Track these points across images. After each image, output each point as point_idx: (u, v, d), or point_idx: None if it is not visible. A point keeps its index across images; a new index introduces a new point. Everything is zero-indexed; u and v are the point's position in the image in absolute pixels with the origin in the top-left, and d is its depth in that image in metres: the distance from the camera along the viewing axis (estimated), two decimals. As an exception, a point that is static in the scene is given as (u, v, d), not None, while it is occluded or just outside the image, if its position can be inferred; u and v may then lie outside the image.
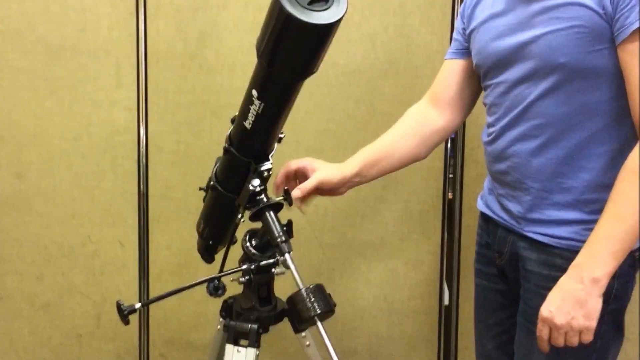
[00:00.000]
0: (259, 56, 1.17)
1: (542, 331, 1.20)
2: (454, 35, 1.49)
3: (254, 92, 1.21)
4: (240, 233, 1.42)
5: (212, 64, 2.06)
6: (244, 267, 1.36)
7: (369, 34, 2.02)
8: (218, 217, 1.46)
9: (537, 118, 1.25)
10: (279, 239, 1.25)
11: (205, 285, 1.38)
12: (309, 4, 1.08)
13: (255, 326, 1.36)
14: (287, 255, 1.23)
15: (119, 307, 1.30)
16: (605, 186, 1.17)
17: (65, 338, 2.22)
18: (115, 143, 2.10)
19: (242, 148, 1.31)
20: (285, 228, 1.28)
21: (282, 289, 1.36)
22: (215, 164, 1.43)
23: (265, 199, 1.30)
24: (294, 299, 1.20)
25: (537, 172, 1.27)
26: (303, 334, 1.39)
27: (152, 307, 2.18)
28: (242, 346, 1.36)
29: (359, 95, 2.05)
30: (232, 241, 1.47)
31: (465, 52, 1.44)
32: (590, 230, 1.18)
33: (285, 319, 1.39)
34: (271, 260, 1.35)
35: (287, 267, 1.23)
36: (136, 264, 2.16)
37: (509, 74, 1.28)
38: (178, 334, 2.20)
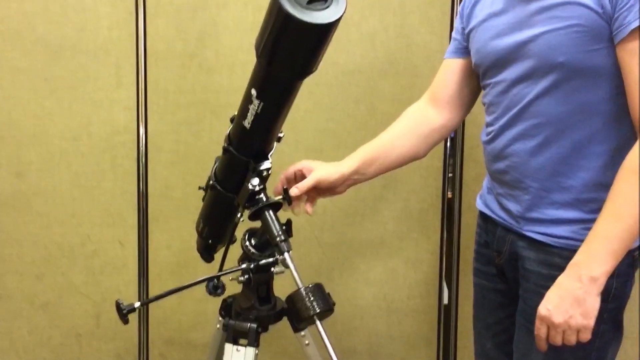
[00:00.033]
0: (258, 55, 1.17)
1: (540, 330, 1.20)
2: (453, 34, 1.49)
3: (253, 92, 1.21)
4: (239, 232, 1.43)
5: (211, 64, 2.06)
6: (243, 266, 1.37)
7: (368, 34, 2.02)
8: (217, 217, 1.46)
9: (535, 117, 1.25)
10: (278, 238, 1.25)
11: (204, 284, 1.38)
12: (308, 3, 1.08)
13: (254, 325, 1.36)
14: (286, 255, 1.23)
15: (118, 306, 1.30)
16: (604, 185, 1.17)
17: (64, 337, 2.22)
18: (115, 143, 2.11)
19: (241, 147, 1.31)
20: (284, 227, 1.29)
21: (281, 288, 1.36)
22: (215, 164, 1.43)
23: (264, 198, 1.31)
24: (293, 298, 1.20)
25: (536, 172, 1.27)
26: (302, 333, 1.39)
27: (151, 306, 2.18)
28: (242, 345, 1.36)
29: (359, 94, 2.05)
30: (232, 240, 1.47)
31: (464, 51, 1.44)
32: (589, 229, 1.18)
33: (285, 318, 1.39)
34: (270, 260, 1.35)
35: (287, 266, 1.23)
36: (136, 264, 2.17)
37: (508, 73, 1.28)
38: (177, 333, 2.20)
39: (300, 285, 1.20)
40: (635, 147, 1.14)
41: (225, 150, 1.34)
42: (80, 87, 2.08)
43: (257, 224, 1.33)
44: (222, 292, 1.40)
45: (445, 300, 2.14)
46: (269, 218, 1.29)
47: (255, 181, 1.30)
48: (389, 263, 2.14)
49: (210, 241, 1.51)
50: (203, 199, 1.50)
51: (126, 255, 2.17)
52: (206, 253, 1.55)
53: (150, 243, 2.16)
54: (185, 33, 2.05)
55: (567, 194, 1.25)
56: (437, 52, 1.94)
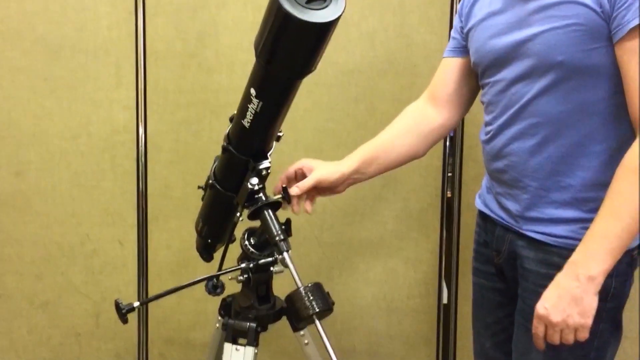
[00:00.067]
0: (257, 55, 1.17)
1: (538, 328, 1.20)
2: (452, 33, 1.49)
3: (252, 91, 1.21)
4: (238, 232, 1.43)
5: (211, 63, 2.06)
6: (243, 265, 1.37)
7: (368, 33, 2.02)
8: (217, 216, 1.47)
9: (534, 116, 1.25)
10: (277, 238, 1.25)
11: (204, 283, 1.38)
12: (307, 2, 1.08)
13: (253, 325, 1.37)
14: (285, 254, 1.23)
15: (117, 305, 1.30)
16: (603, 184, 1.17)
17: (64, 337, 2.22)
18: (115, 142, 2.11)
19: (240, 147, 1.31)
20: (283, 227, 1.29)
21: (280, 288, 1.36)
22: (214, 163, 1.43)
23: (263, 198, 1.31)
24: (293, 298, 1.20)
25: (534, 171, 1.27)
26: (302, 332, 1.39)
27: (151, 305, 2.18)
28: (241, 345, 1.37)
29: (358, 94, 2.05)
30: (231, 240, 1.47)
31: (463, 50, 1.44)
32: (588, 228, 1.18)
33: (284, 318, 1.39)
34: (270, 259, 1.35)
35: (286, 266, 1.23)
36: (135, 263, 2.17)
37: (507, 72, 1.28)
38: (177, 333, 2.20)
39: (300, 284, 1.20)
40: (634, 145, 1.14)
41: (224, 149, 1.34)
42: (79, 86, 2.08)
43: (257, 223, 1.33)
44: (222, 292, 1.40)
45: (445, 300, 2.14)
46: (268, 217, 1.29)
47: (255, 180, 1.30)
48: (389, 262, 2.14)
49: (209, 240, 1.51)
50: (202, 199, 1.50)
51: (126, 255, 2.17)
52: (205, 252, 1.55)
53: (150, 242, 2.16)
54: (185, 33, 2.05)
55: (566, 193, 1.25)
56: (436, 51, 1.93)
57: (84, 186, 2.13)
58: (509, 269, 1.38)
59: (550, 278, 1.20)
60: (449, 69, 1.49)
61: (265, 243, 1.36)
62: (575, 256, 1.17)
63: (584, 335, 1.17)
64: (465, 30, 1.42)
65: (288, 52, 1.14)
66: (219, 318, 1.46)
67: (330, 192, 1.48)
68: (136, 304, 1.31)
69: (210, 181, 1.41)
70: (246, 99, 1.23)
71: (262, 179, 1.32)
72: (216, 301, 1.47)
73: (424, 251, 2.12)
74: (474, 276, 1.51)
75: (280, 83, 1.21)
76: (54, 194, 2.13)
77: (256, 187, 1.30)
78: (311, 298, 1.18)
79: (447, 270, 2.13)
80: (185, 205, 2.10)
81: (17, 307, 2.20)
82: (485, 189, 1.46)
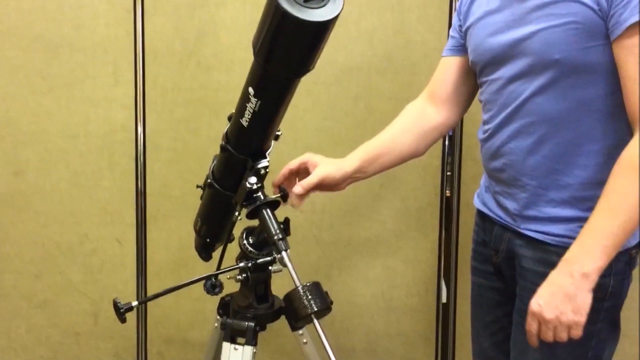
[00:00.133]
0: (255, 54, 1.17)
1: (532, 325, 1.20)
2: (451, 32, 1.49)
3: (251, 90, 1.21)
4: (237, 231, 1.43)
5: (209, 62, 2.06)
6: (241, 265, 1.37)
7: (367, 32, 2.02)
8: (215, 215, 1.46)
9: (531, 115, 1.25)
10: (275, 237, 1.25)
11: (202, 283, 1.38)
12: (305, 1, 1.08)
13: (252, 324, 1.37)
14: (284, 253, 1.23)
15: (115, 305, 1.30)
16: (601, 183, 1.16)
17: (63, 336, 2.22)
18: (113, 141, 2.10)
19: (239, 146, 1.31)
20: (282, 226, 1.28)
21: (279, 287, 1.36)
22: (213, 162, 1.43)
23: (262, 197, 1.30)
24: (291, 297, 1.20)
25: (532, 169, 1.27)
26: (300, 331, 1.39)
27: (150, 305, 2.18)
28: (239, 344, 1.37)
29: (357, 92, 2.05)
30: (230, 239, 1.47)
31: (461, 49, 1.44)
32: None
33: (283, 317, 1.39)
34: (268, 258, 1.35)
35: (284, 265, 1.23)
36: (134, 262, 2.17)
37: (504, 70, 1.28)
38: (176, 332, 2.20)
39: (298, 283, 1.20)
40: (631, 143, 1.14)
41: (222, 148, 1.34)
42: (78, 85, 2.08)
43: (255, 222, 1.33)
44: (220, 291, 1.40)
45: (444, 299, 2.14)
46: (267, 216, 1.29)
47: (253, 179, 1.30)
48: (388, 262, 2.14)
49: (208, 240, 1.51)
50: (201, 198, 1.49)
51: (124, 254, 2.17)
52: (204, 252, 1.55)
53: (149, 242, 2.16)
54: (184, 31, 2.04)
55: (564, 192, 1.25)
56: (435, 50, 1.93)
57: (82, 185, 2.13)
58: (507, 268, 1.38)
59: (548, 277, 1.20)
60: (448, 68, 1.48)
61: (264, 242, 1.35)
62: (569, 253, 1.17)
63: (577, 332, 1.16)
64: (463, 29, 1.42)
65: (286, 50, 1.13)
66: (218, 317, 1.46)
67: (330, 190, 1.47)
68: (134, 303, 1.31)
69: (209, 180, 1.41)
70: (244, 98, 1.23)
71: (261, 178, 1.31)
72: (215, 300, 1.47)
73: (423, 250, 2.12)
74: (473, 275, 1.51)
75: (279, 82, 1.20)
76: (52, 193, 2.13)
77: (255, 186, 1.30)
78: (310, 297, 1.18)
79: (446, 269, 2.13)
80: (183, 205, 2.10)
81: (15, 306, 2.20)
82: (483, 188, 1.46)
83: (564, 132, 1.23)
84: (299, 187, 1.39)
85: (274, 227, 1.27)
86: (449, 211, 2.10)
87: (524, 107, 1.25)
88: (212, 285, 1.39)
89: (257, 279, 1.38)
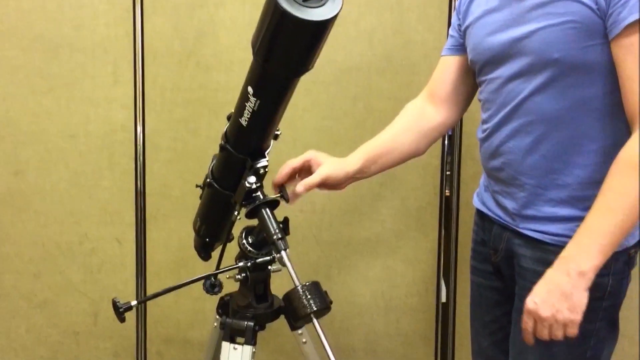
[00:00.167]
0: (254, 53, 1.17)
1: (527, 323, 1.20)
2: (450, 31, 1.49)
3: (250, 89, 1.21)
4: (236, 230, 1.42)
5: (209, 62, 2.06)
6: (241, 264, 1.37)
7: (366, 31, 2.02)
8: (214, 215, 1.46)
9: (530, 114, 1.25)
10: (275, 236, 1.25)
11: (201, 282, 1.38)
12: (304, 0, 1.08)
13: (251, 323, 1.36)
14: (283, 253, 1.23)
15: (115, 304, 1.30)
16: (599, 182, 1.16)
17: (62, 336, 2.22)
18: (113, 141, 2.10)
19: (238, 145, 1.31)
20: (281, 225, 1.28)
21: (279, 287, 1.36)
22: (212, 162, 1.42)
23: (261, 196, 1.30)
24: (290, 297, 1.20)
25: (531, 169, 1.27)
26: (300, 331, 1.39)
27: (149, 304, 2.18)
28: (239, 344, 1.36)
29: (356, 92, 2.05)
30: (229, 238, 1.47)
31: (461, 48, 1.44)
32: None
33: (282, 317, 1.39)
34: (267, 258, 1.35)
35: (284, 265, 1.23)
36: (133, 262, 2.17)
37: (503, 69, 1.28)
38: (175, 332, 2.20)
39: (297, 283, 1.20)
40: (629, 142, 1.14)
41: (222, 148, 1.34)
42: (77, 85, 2.08)
43: (255, 222, 1.33)
44: (220, 291, 1.40)
45: (443, 298, 2.14)
46: (266, 216, 1.28)
47: (252, 179, 1.30)
48: (387, 261, 2.14)
49: (207, 239, 1.51)
50: (200, 197, 1.49)
51: (124, 254, 2.17)
52: (203, 251, 1.55)
53: (148, 241, 2.16)
54: (183, 31, 2.04)
55: (563, 191, 1.25)
56: (434, 49, 1.94)
57: (82, 185, 2.13)
58: (506, 267, 1.38)
59: (546, 276, 1.20)
60: (448, 67, 1.48)
61: (263, 242, 1.35)
62: (566, 251, 1.17)
63: (573, 331, 1.16)
64: (463, 28, 1.42)
65: (285, 50, 1.13)
66: (217, 317, 1.46)
67: (331, 189, 1.47)
68: (134, 303, 1.31)
69: (208, 180, 1.41)
70: (243, 98, 1.23)
71: (260, 178, 1.31)
72: (214, 300, 1.47)
73: (422, 250, 2.12)
74: (472, 275, 1.51)
75: (278, 81, 1.20)
76: (52, 193, 2.13)
77: (254, 186, 1.30)
78: (309, 297, 1.18)
79: (446, 268, 2.13)
80: (183, 204, 2.10)
81: (15, 306, 2.20)
82: (483, 188, 1.46)
83: (562, 131, 1.23)
84: (301, 186, 1.38)
85: (273, 227, 1.26)
86: (448, 210, 2.10)
87: (522, 106, 1.25)
88: (211, 284, 1.39)
89: (256, 279, 1.38)
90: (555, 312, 1.15)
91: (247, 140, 1.30)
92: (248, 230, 1.39)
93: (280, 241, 1.24)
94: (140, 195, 2.13)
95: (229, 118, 1.33)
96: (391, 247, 2.13)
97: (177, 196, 2.12)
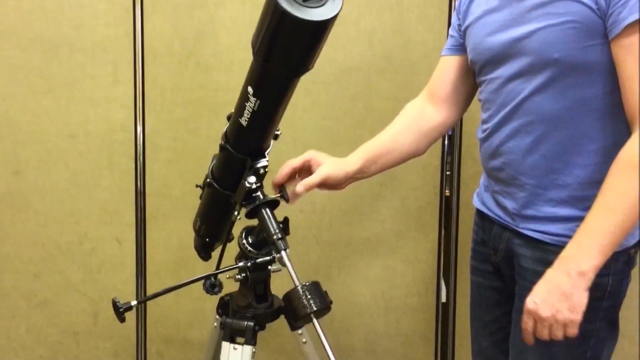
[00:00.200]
0: (254, 53, 1.17)
1: (527, 323, 1.20)
2: (450, 31, 1.49)
3: (250, 89, 1.21)
4: (236, 230, 1.42)
5: (209, 62, 2.05)
6: (241, 264, 1.37)
7: (366, 31, 2.02)
8: (214, 215, 1.46)
9: (530, 114, 1.25)
10: (274, 236, 1.25)
11: (201, 282, 1.38)
12: (304, 0, 1.08)
13: (251, 323, 1.36)
14: (283, 253, 1.23)
15: (114, 304, 1.30)
16: (599, 183, 1.16)
17: (62, 336, 2.22)
18: (112, 141, 2.10)
19: (238, 145, 1.30)
20: (281, 225, 1.28)
21: (278, 287, 1.36)
22: (212, 162, 1.42)
23: (261, 196, 1.30)
24: (290, 296, 1.20)
25: (531, 169, 1.27)
26: (299, 331, 1.39)
27: (149, 304, 2.18)
28: (239, 344, 1.36)
29: (356, 92, 2.05)
30: (229, 238, 1.47)
31: (460, 48, 1.44)
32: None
33: (282, 317, 1.39)
34: (267, 258, 1.35)
35: (283, 265, 1.23)
36: (133, 262, 2.17)
37: (503, 69, 1.28)
38: (175, 332, 2.20)
39: (297, 283, 1.20)
40: (629, 142, 1.14)
41: (222, 147, 1.34)
42: (77, 85, 2.08)
43: (255, 222, 1.33)
44: (220, 291, 1.40)
45: (443, 298, 2.14)
46: (266, 216, 1.28)
47: (252, 179, 1.30)
48: (387, 261, 2.14)
49: (207, 239, 1.51)
50: (200, 197, 1.49)
51: (124, 254, 2.17)
52: (203, 251, 1.55)
53: (148, 241, 2.16)
54: (183, 31, 2.04)
55: (563, 191, 1.25)
56: (434, 49, 1.94)
57: (82, 185, 2.13)
58: (506, 267, 1.38)
59: (547, 277, 1.20)
60: (448, 67, 1.48)
61: (263, 242, 1.35)
62: (566, 251, 1.17)
63: (573, 331, 1.16)
64: (463, 28, 1.42)
65: (285, 50, 1.13)
66: (217, 317, 1.46)
67: (331, 189, 1.47)
68: (133, 302, 1.31)
69: (208, 180, 1.41)
70: (243, 98, 1.23)
71: (260, 178, 1.31)
72: (214, 300, 1.47)
73: (422, 250, 2.12)
74: (472, 275, 1.51)
75: (278, 81, 1.20)
76: (52, 192, 2.13)
77: (254, 186, 1.29)
78: (309, 297, 1.18)
79: (446, 268, 2.13)
80: (183, 204, 2.10)
81: (15, 306, 2.20)
82: (483, 187, 1.46)
83: (562, 131, 1.23)
84: (301, 186, 1.38)
85: (273, 227, 1.26)
86: (448, 210, 2.10)
87: (522, 106, 1.25)
88: (211, 284, 1.39)
89: (256, 279, 1.38)
90: (555, 312, 1.15)
91: (247, 140, 1.30)
92: (248, 230, 1.39)
93: (280, 241, 1.24)
94: (140, 195, 2.13)
95: (229, 118, 1.33)
96: (391, 247, 2.13)
97: (177, 196, 2.12)
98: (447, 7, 1.99)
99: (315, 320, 1.17)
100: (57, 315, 2.21)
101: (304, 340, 1.40)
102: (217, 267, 1.39)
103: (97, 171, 2.12)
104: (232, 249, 1.42)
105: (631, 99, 1.14)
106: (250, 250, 1.37)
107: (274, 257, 1.30)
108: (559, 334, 1.17)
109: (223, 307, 1.46)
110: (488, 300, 1.47)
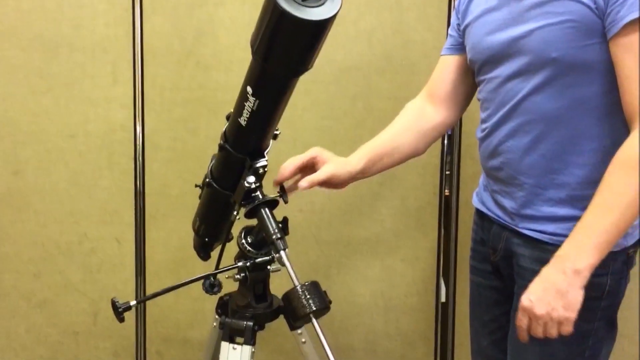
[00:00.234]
0: (253, 52, 1.17)
1: (522, 321, 1.20)
2: (450, 31, 1.49)
3: (249, 89, 1.21)
4: (236, 230, 1.42)
5: (208, 61, 2.05)
6: (240, 264, 1.37)
7: (365, 31, 2.01)
8: (213, 215, 1.46)
9: (528, 113, 1.25)
10: (274, 236, 1.25)
11: (201, 282, 1.38)
12: (304, 0, 1.08)
13: (250, 323, 1.36)
14: (282, 253, 1.23)
15: (114, 304, 1.30)
16: (598, 182, 1.16)
17: (62, 336, 2.22)
18: (112, 140, 2.10)
19: (237, 145, 1.30)
20: (280, 225, 1.28)
21: (278, 286, 1.36)
22: (211, 161, 1.42)
23: (260, 196, 1.30)
24: (290, 296, 1.20)
25: (530, 168, 1.27)
26: (299, 331, 1.39)
27: (148, 304, 2.18)
28: (238, 343, 1.36)
29: (356, 92, 2.05)
30: (228, 238, 1.47)
31: (460, 48, 1.44)
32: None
33: (281, 316, 1.39)
34: (266, 258, 1.35)
35: (283, 264, 1.23)
36: (133, 262, 2.17)
37: (502, 69, 1.28)
38: (175, 331, 2.20)
39: (297, 283, 1.20)
40: (628, 141, 1.14)
41: (221, 147, 1.34)
42: (76, 84, 2.08)
43: (254, 221, 1.33)
44: (219, 290, 1.40)
45: (443, 298, 2.14)
46: (265, 216, 1.28)
47: (251, 179, 1.30)
48: (387, 261, 2.14)
49: (206, 239, 1.51)
50: (200, 197, 1.49)
51: (123, 253, 2.17)
52: (203, 251, 1.55)
53: (147, 241, 2.16)
54: (182, 30, 2.04)
55: (562, 191, 1.25)
56: (434, 49, 1.93)
57: (81, 184, 2.13)
58: (505, 266, 1.38)
59: (546, 276, 1.20)
60: (447, 67, 1.48)
61: (262, 242, 1.35)
62: (562, 250, 1.17)
63: (567, 329, 1.16)
64: (462, 28, 1.42)
65: (284, 49, 1.13)
66: (216, 317, 1.46)
67: (333, 187, 1.46)
68: (133, 302, 1.31)
69: (207, 179, 1.41)
70: (243, 97, 1.23)
71: (259, 178, 1.31)
72: (213, 300, 1.47)
73: (422, 249, 2.12)
74: (471, 274, 1.51)
75: (277, 81, 1.20)
76: (51, 192, 2.13)
77: (253, 186, 1.29)
78: (308, 297, 1.18)
79: (445, 268, 2.13)
80: (182, 204, 2.10)
81: (15, 306, 2.20)
82: (482, 187, 1.47)
83: (561, 130, 1.23)
84: (305, 182, 1.37)
85: (272, 227, 1.26)
86: (448, 210, 2.10)
87: (521, 105, 1.25)
88: (210, 284, 1.39)
89: (255, 279, 1.38)
90: (551, 310, 1.15)
91: (246, 140, 1.30)
92: (247, 230, 1.39)
93: (279, 241, 1.24)
94: (139, 195, 2.13)
95: (228, 118, 1.32)
96: (391, 247, 2.13)
97: (176, 196, 2.12)
98: (447, 7, 1.99)
99: (314, 320, 1.17)
100: (57, 315, 2.21)
101: (303, 340, 1.40)
102: (217, 267, 1.39)
103: (96, 171, 2.12)
104: (232, 248, 1.42)
105: (629, 98, 1.14)
106: (249, 250, 1.37)
107: (273, 257, 1.30)
108: (553, 332, 1.17)
109: (222, 307, 1.46)
110: (487, 300, 1.47)
